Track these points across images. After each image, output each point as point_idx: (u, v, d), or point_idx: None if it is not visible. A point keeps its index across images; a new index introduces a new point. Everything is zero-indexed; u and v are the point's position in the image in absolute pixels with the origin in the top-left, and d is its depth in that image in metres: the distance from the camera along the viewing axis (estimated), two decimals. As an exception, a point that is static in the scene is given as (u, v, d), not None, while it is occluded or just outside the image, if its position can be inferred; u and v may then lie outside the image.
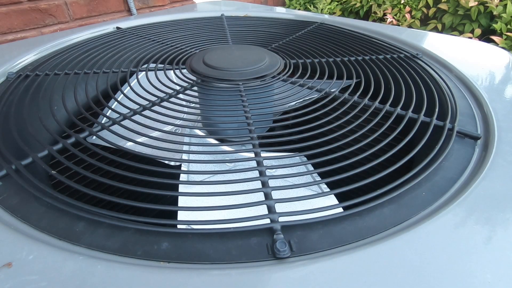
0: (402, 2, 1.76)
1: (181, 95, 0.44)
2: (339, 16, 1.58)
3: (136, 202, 0.25)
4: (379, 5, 1.85)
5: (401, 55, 0.55)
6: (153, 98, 0.42)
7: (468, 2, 1.45)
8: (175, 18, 0.82)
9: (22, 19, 0.94)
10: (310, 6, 2.15)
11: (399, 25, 1.70)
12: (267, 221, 0.24)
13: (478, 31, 1.49)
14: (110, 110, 0.39)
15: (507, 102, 0.40)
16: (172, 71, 0.50)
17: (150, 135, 0.34)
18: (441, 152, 0.31)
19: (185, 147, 0.40)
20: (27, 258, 0.21)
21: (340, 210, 0.25)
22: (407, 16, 1.71)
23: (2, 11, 0.89)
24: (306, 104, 0.41)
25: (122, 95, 0.42)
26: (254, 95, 0.44)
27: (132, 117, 0.38)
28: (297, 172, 0.29)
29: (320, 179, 0.29)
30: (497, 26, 1.40)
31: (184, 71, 0.50)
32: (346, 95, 0.43)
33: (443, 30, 1.62)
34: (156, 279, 0.20)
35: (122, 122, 0.37)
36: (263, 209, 0.26)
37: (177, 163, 0.42)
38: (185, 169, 0.38)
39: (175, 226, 0.24)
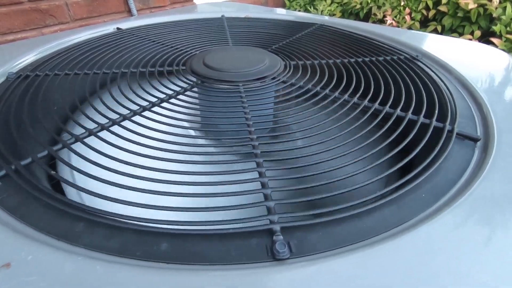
0: (402, 4, 1.76)
1: (181, 96, 0.44)
2: (339, 17, 1.59)
3: (135, 203, 0.25)
4: (379, 7, 1.86)
5: (401, 57, 0.55)
6: (153, 99, 0.42)
7: (467, 4, 1.46)
8: (176, 19, 0.82)
9: (22, 19, 0.94)
10: (310, 7, 2.15)
11: (399, 27, 1.70)
12: (267, 222, 0.24)
13: (477, 33, 1.49)
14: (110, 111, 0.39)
15: (507, 104, 0.40)
16: (172, 72, 0.50)
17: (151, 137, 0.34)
18: (441, 153, 0.31)
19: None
20: (26, 258, 0.21)
21: (341, 211, 0.25)
22: (407, 18, 1.71)
23: (2, 11, 0.89)
24: (306, 105, 0.41)
25: (122, 95, 0.42)
26: (254, 96, 0.44)
27: (132, 118, 0.38)
28: (298, 173, 0.29)
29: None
30: (496, 28, 1.40)
31: (184, 72, 0.50)
32: (346, 96, 0.43)
33: (443, 32, 1.62)
34: (155, 279, 0.20)
35: (122, 123, 0.37)
36: (262, 210, 0.26)
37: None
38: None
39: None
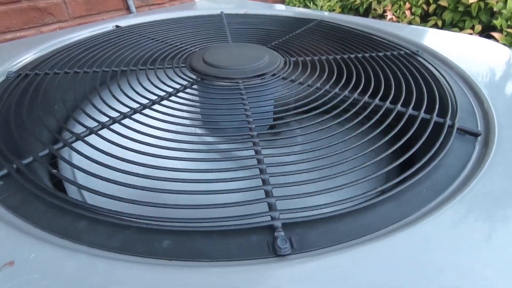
0: (402, -2, 1.75)
1: (181, 93, 0.44)
2: (338, 13, 1.58)
3: (137, 201, 0.25)
4: (379, 2, 1.84)
5: (401, 52, 0.55)
6: (153, 97, 0.42)
7: (468, -2, 1.45)
8: (174, 16, 0.82)
9: (21, 18, 0.93)
10: (310, 3, 2.14)
11: (399, 22, 1.69)
12: (268, 218, 0.24)
13: (478, 28, 1.48)
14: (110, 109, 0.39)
15: (508, 99, 0.40)
16: (171, 70, 0.50)
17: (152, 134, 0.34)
18: (442, 149, 0.31)
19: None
20: (28, 257, 0.21)
21: (341, 207, 0.25)
22: (407, 13, 1.70)
23: (1, 10, 0.89)
24: (307, 102, 0.41)
25: (122, 93, 0.42)
26: (254, 93, 0.44)
27: (132, 116, 0.38)
28: (298, 170, 0.29)
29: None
30: (497, 22, 1.39)
31: (184, 69, 0.50)
32: (346, 92, 0.43)
33: (443, 26, 1.61)
34: (157, 277, 0.20)
35: (122, 121, 0.37)
36: (264, 207, 0.26)
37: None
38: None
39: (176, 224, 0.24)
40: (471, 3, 1.45)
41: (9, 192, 0.27)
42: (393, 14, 1.73)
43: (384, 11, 1.78)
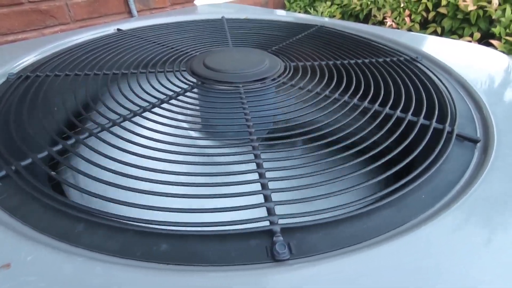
0: (402, 5, 1.76)
1: (181, 97, 0.44)
2: (339, 19, 1.59)
3: (135, 204, 0.25)
4: (379, 9, 1.86)
5: (401, 58, 0.56)
6: (153, 100, 0.42)
7: (467, 6, 1.46)
8: (176, 20, 0.82)
9: (23, 20, 0.94)
10: (310, 9, 2.16)
11: (398, 29, 1.71)
12: (267, 223, 0.24)
13: (477, 35, 1.49)
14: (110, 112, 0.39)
15: (506, 105, 0.40)
16: (172, 73, 0.51)
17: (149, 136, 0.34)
18: (441, 155, 0.31)
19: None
20: (25, 259, 0.21)
21: (341, 212, 0.25)
22: (407, 19, 1.72)
23: (3, 12, 0.89)
24: (306, 107, 0.41)
25: (122, 96, 0.43)
26: (254, 97, 0.44)
27: (132, 119, 0.38)
28: (297, 174, 0.29)
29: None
30: (496, 30, 1.40)
31: (184, 73, 0.51)
32: (346, 97, 0.43)
33: (443, 33, 1.63)
34: (155, 280, 0.20)
35: (122, 124, 0.37)
36: (262, 211, 0.26)
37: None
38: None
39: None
40: (470, 11, 1.47)
41: (7, 194, 0.27)
42: (393, 21, 1.75)
43: (384, 18, 1.80)
